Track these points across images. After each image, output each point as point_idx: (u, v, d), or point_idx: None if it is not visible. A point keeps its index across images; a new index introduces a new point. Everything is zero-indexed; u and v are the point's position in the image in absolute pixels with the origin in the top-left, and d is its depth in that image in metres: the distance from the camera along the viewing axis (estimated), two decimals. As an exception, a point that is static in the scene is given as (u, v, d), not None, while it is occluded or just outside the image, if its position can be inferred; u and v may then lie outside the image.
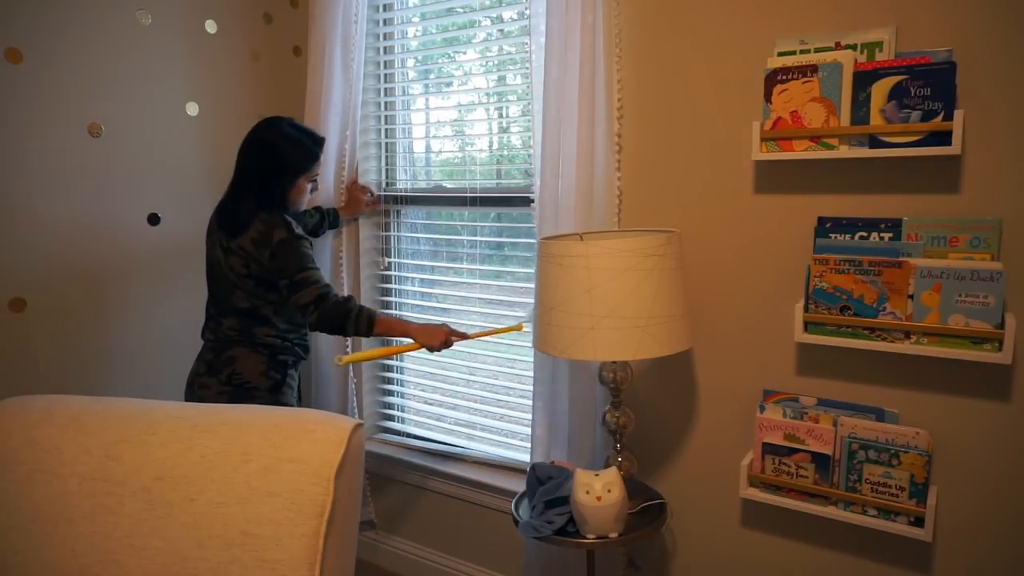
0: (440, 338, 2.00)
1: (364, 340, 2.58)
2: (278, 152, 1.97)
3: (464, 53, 2.48)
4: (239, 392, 1.97)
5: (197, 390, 1.99)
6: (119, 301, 2.24)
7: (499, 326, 2.23)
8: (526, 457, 2.26)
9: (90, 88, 2.13)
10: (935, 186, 1.58)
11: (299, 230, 1.97)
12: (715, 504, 1.96)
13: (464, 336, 2.05)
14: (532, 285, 2.06)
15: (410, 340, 2.02)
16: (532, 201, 2.07)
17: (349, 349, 2.54)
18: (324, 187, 2.47)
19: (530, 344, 2.21)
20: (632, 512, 1.76)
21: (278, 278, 1.93)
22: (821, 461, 1.65)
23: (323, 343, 2.54)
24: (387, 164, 2.65)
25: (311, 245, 1.99)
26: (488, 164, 2.42)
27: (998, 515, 1.59)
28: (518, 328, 2.13)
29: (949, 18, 1.53)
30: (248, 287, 1.96)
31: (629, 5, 1.94)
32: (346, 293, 2.51)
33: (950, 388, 1.61)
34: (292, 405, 2.08)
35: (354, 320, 1.94)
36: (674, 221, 1.94)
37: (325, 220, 2.41)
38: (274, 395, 2.01)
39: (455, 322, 2.51)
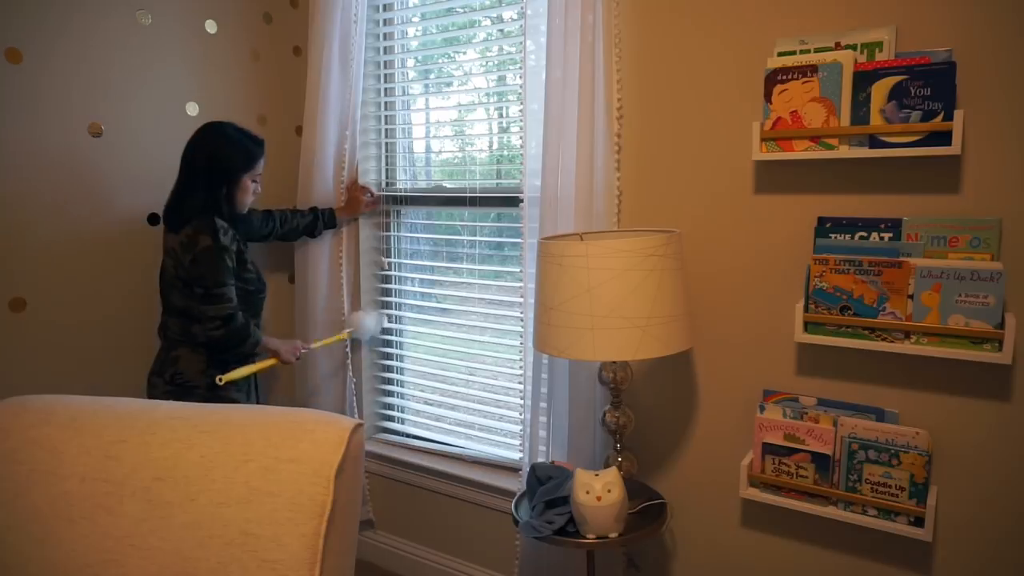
0: (291, 351, 2.20)
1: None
2: (226, 151, 2.05)
3: (464, 53, 2.48)
4: (180, 391, 2.03)
5: (150, 389, 2.08)
6: (119, 301, 2.24)
7: (329, 338, 2.42)
8: (526, 457, 2.26)
9: (90, 88, 2.13)
10: (935, 186, 1.58)
11: (226, 238, 2.02)
12: (715, 504, 1.96)
13: (306, 348, 2.27)
14: (530, 285, 2.06)
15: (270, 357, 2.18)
16: (521, 201, 2.08)
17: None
18: (323, 187, 2.47)
19: (531, 344, 2.21)
20: (632, 512, 1.76)
21: (195, 284, 2.00)
22: (821, 461, 1.65)
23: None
24: (387, 164, 2.65)
25: (235, 256, 2.06)
26: (488, 164, 2.42)
27: (998, 515, 1.59)
28: (345, 336, 2.44)
29: (949, 18, 1.53)
30: (179, 287, 2.03)
31: (629, 5, 1.94)
32: (345, 296, 2.53)
33: (950, 388, 1.61)
34: (238, 401, 2.13)
35: (247, 344, 2.07)
36: (674, 221, 1.94)
37: (320, 221, 2.42)
38: (213, 391, 2.05)
39: (455, 322, 2.51)
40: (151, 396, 2.06)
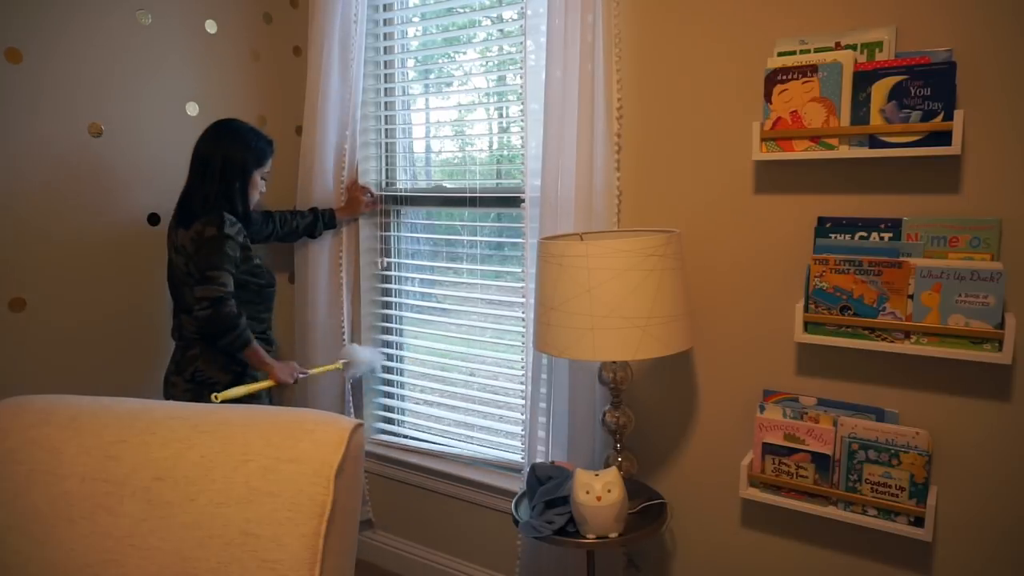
0: (289, 372, 2.17)
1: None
2: (239, 146, 2.06)
3: (464, 53, 2.48)
4: (201, 388, 2.03)
5: (168, 389, 2.07)
6: (119, 301, 2.24)
7: (326, 366, 2.41)
8: (526, 457, 2.26)
9: (90, 88, 2.13)
10: (935, 186, 1.58)
11: (232, 230, 2.02)
12: (715, 504, 1.96)
13: (303, 372, 2.24)
14: (531, 285, 2.06)
15: (265, 376, 2.15)
16: (523, 201, 2.08)
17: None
18: (323, 187, 2.47)
19: (531, 345, 2.21)
20: (632, 512, 1.76)
21: (195, 269, 1.99)
22: (821, 461, 1.65)
23: (321, 345, 2.54)
24: (387, 164, 2.65)
25: (240, 249, 2.04)
26: (488, 164, 2.42)
27: (998, 515, 1.59)
28: (337, 367, 2.40)
29: (949, 18, 1.53)
30: (190, 284, 2.02)
31: (629, 5, 1.94)
32: (345, 296, 2.53)
33: (950, 388, 1.61)
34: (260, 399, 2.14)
35: (234, 337, 2.00)
36: (674, 221, 1.94)
37: (319, 221, 2.42)
38: (238, 383, 2.05)
39: (455, 322, 2.51)
40: (170, 397, 2.05)
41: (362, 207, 2.51)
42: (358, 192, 2.50)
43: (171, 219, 2.10)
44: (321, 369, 2.37)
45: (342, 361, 2.42)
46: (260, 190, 2.16)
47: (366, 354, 2.50)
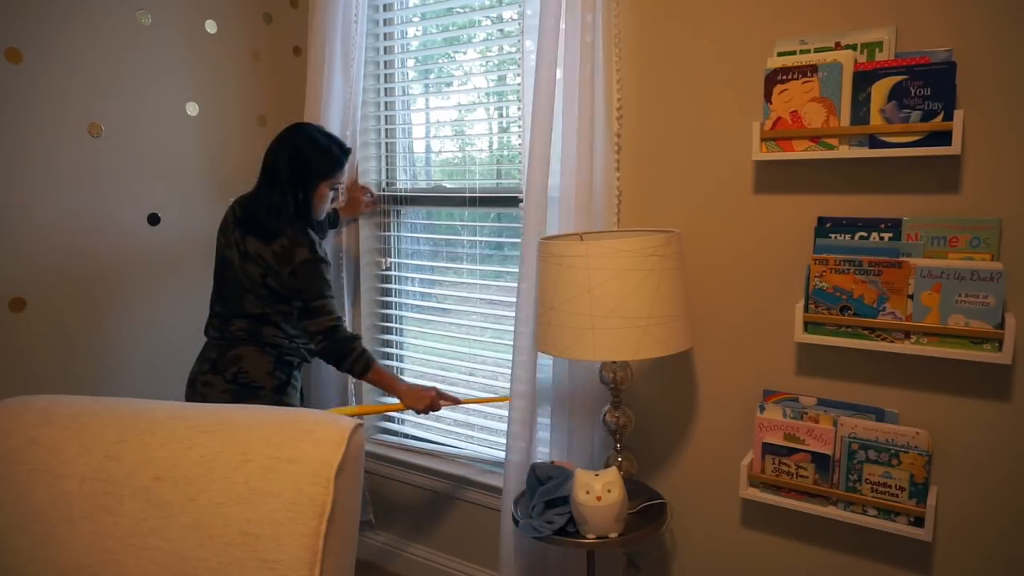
0: (426, 401, 2.06)
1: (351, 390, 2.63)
2: (305, 156, 1.99)
3: (464, 53, 2.48)
4: (244, 391, 1.97)
5: (200, 388, 1.99)
6: (119, 301, 2.24)
7: (488, 395, 2.29)
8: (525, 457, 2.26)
9: (90, 88, 2.13)
10: (935, 186, 1.58)
11: (322, 251, 1.99)
12: (715, 504, 1.96)
13: (453, 401, 2.12)
14: (525, 285, 2.06)
15: (396, 399, 2.09)
16: (521, 201, 2.08)
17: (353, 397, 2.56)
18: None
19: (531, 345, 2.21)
20: (632, 512, 1.76)
21: (293, 297, 1.95)
22: (821, 461, 1.65)
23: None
24: (387, 164, 2.65)
25: (330, 267, 2.02)
26: (488, 164, 2.42)
27: (998, 515, 1.59)
28: (506, 400, 2.12)
29: (949, 18, 1.53)
30: (262, 294, 1.98)
31: (629, 5, 1.94)
32: (346, 297, 2.52)
33: (950, 388, 1.61)
34: (295, 406, 2.08)
35: (352, 360, 1.98)
36: (674, 221, 1.94)
37: (325, 220, 2.41)
38: (278, 395, 2.01)
39: (455, 322, 2.51)
40: (205, 396, 1.97)
41: (362, 207, 2.50)
42: (358, 192, 2.50)
43: (230, 220, 2.03)
44: (486, 399, 2.22)
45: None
46: (328, 203, 2.08)
47: None
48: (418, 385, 2.09)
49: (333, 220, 2.44)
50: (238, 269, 1.99)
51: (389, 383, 2.05)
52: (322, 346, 1.96)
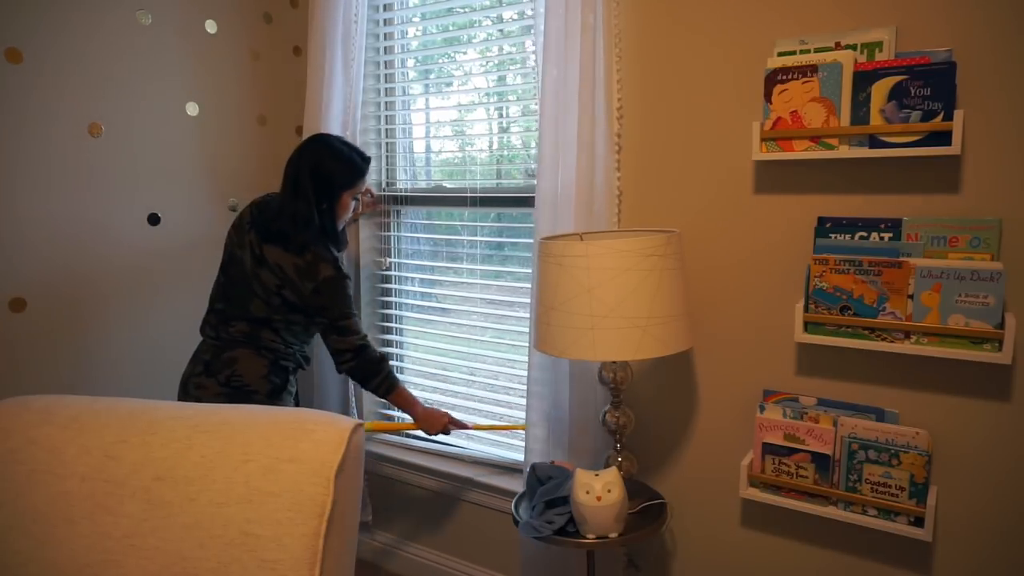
0: (438, 426, 2.15)
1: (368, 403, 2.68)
2: (327, 167, 1.99)
3: (464, 53, 2.48)
4: (237, 395, 1.96)
5: (192, 390, 1.97)
6: (119, 301, 2.24)
7: (500, 423, 2.33)
8: (524, 457, 2.26)
9: (90, 88, 2.13)
10: (935, 186, 1.58)
11: (344, 267, 2.00)
12: (715, 504, 1.96)
13: (462, 426, 2.19)
14: (530, 285, 2.06)
15: (410, 419, 2.16)
16: (522, 201, 2.08)
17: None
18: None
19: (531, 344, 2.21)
20: (632, 512, 1.76)
21: (316, 314, 1.97)
22: (821, 461, 1.65)
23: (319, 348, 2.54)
24: (387, 164, 2.65)
25: (352, 282, 2.04)
26: (488, 164, 2.42)
27: (998, 515, 1.59)
28: (522, 428, 2.16)
29: (949, 18, 1.53)
30: (273, 303, 1.97)
31: (629, 5, 1.94)
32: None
33: (950, 388, 1.61)
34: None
35: (379, 381, 2.03)
36: (674, 221, 1.94)
37: (345, 232, 2.42)
38: (272, 400, 2.01)
39: (455, 322, 2.51)
40: (198, 399, 1.95)
41: (363, 207, 2.50)
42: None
43: (247, 220, 2.03)
44: (497, 426, 2.25)
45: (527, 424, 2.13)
46: (350, 212, 2.08)
47: None
48: (433, 409, 2.16)
49: None
50: (249, 272, 1.98)
51: (409, 404, 2.12)
52: (350, 365, 1.99)
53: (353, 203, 2.08)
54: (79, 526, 1.20)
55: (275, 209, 2.00)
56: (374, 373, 2.02)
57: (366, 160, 2.07)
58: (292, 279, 1.94)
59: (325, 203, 2.00)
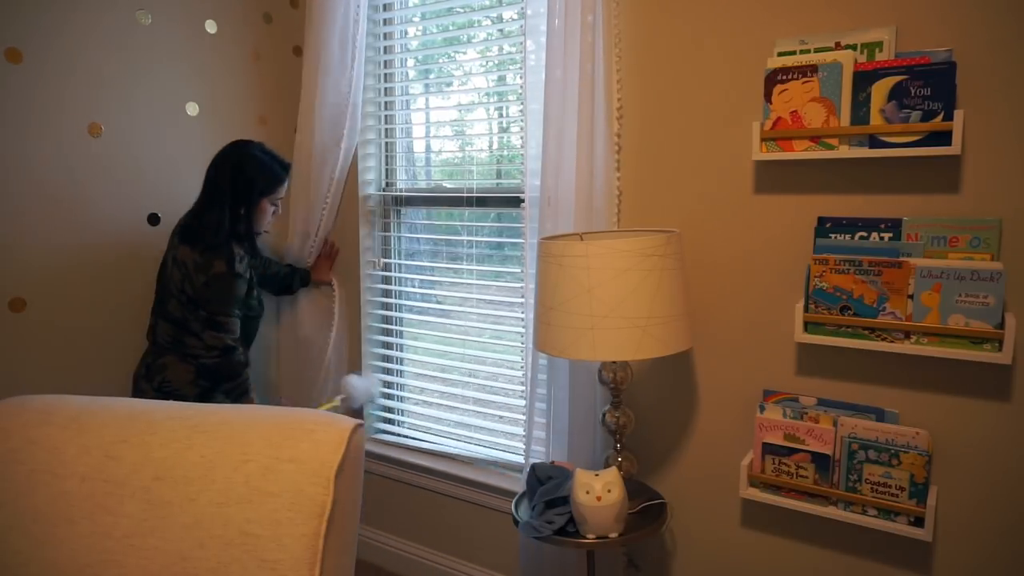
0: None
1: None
2: (248, 173, 2.06)
3: (464, 53, 2.48)
4: (167, 400, 2.00)
5: (135, 392, 2.07)
6: (119, 301, 2.24)
7: (325, 404, 2.44)
8: (524, 458, 2.26)
9: (90, 88, 2.13)
10: (935, 186, 1.58)
11: (241, 266, 2.03)
12: (715, 504, 1.96)
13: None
14: (531, 285, 2.06)
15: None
16: (522, 201, 2.08)
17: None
18: (317, 187, 2.46)
19: (530, 344, 2.21)
20: (632, 512, 1.76)
21: (201, 305, 2.01)
22: (821, 461, 1.65)
23: (325, 346, 2.54)
24: (387, 164, 2.65)
25: (247, 283, 2.07)
26: (488, 164, 2.42)
27: (998, 515, 1.59)
28: (335, 404, 2.36)
29: (949, 18, 1.53)
30: (182, 300, 2.03)
31: (629, 5, 1.94)
32: (349, 321, 2.55)
33: (950, 388, 1.61)
34: None
35: (236, 384, 2.08)
36: (674, 221, 1.94)
37: (297, 276, 2.49)
38: (203, 401, 2.03)
39: (454, 322, 2.51)
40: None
41: (323, 256, 2.57)
42: (330, 254, 2.58)
43: (176, 225, 2.10)
44: (321, 408, 2.35)
45: (339, 397, 2.41)
46: (269, 217, 2.14)
47: (362, 384, 2.50)
48: (275, 398, 2.26)
49: (305, 278, 2.51)
50: (171, 275, 2.05)
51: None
52: (215, 361, 2.02)
53: (272, 208, 2.14)
54: (79, 526, 1.20)
55: (192, 212, 2.08)
56: (233, 376, 2.06)
57: (285, 168, 2.15)
58: (190, 273, 2.00)
59: (244, 207, 2.06)
